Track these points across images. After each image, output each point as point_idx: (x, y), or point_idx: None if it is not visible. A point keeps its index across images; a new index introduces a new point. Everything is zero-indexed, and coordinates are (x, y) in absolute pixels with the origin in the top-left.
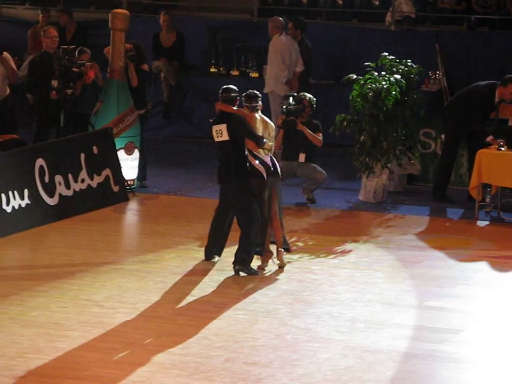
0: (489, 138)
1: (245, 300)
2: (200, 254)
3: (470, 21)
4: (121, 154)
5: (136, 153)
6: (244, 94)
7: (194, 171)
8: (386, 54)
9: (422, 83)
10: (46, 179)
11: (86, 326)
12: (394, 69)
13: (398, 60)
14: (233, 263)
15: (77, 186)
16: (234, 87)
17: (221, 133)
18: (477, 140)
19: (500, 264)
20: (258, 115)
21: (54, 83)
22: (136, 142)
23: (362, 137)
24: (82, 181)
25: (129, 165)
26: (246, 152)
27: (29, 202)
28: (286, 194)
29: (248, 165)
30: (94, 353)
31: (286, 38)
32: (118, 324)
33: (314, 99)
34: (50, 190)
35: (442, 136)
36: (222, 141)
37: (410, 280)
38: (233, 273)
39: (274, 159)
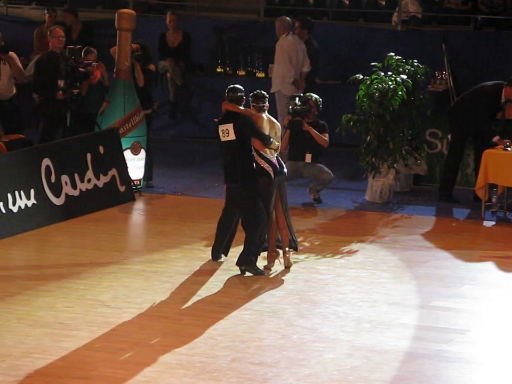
0: (496, 139)
1: (251, 300)
2: (206, 254)
3: (477, 21)
4: (127, 154)
5: (143, 153)
6: (250, 94)
7: (200, 171)
8: (393, 54)
9: (428, 83)
10: (52, 179)
11: (92, 326)
12: (401, 69)
13: (404, 60)
14: (236, 263)
15: (83, 186)
16: (241, 87)
17: (227, 132)
18: (483, 140)
19: (506, 264)
20: (265, 115)
21: (61, 83)
22: (142, 142)
23: (368, 138)
24: (89, 181)
25: (136, 165)
26: (253, 152)
27: (35, 202)
28: (292, 195)
29: (254, 164)
30: (100, 353)
31: (293, 38)
32: (124, 324)
33: (321, 99)
34: (57, 190)
35: (449, 136)
36: (228, 140)
37: (417, 280)
38: (239, 273)
39: (280, 159)
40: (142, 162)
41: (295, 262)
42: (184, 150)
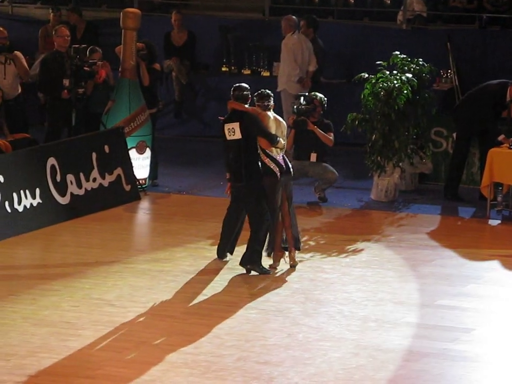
0: (501, 137)
1: (257, 299)
2: (212, 253)
3: (482, 19)
4: (132, 153)
5: (148, 152)
6: (255, 94)
7: (205, 170)
8: (398, 52)
9: (433, 82)
10: (58, 178)
11: (97, 325)
12: (406, 67)
13: (409, 59)
14: (240, 263)
15: (88, 186)
16: (246, 85)
17: (233, 131)
18: (488, 139)
19: None
20: (271, 114)
21: (66, 82)
22: (147, 141)
23: (374, 136)
24: (94, 180)
25: (141, 164)
26: (259, 151)
27: (41, 202)
28: (297, 194)
29: (260, 163)
30: (106, 352)
31: (299, 37)
32: (129, 323)
33: (326, 99)
34: (62, 189)
35: (454, 135)
36: (234, 139)
37: (422, 279)
38: (244, 272)
39: (286, 158)
40: (147, 162)
41: (300, 261)
42: (189, 149)
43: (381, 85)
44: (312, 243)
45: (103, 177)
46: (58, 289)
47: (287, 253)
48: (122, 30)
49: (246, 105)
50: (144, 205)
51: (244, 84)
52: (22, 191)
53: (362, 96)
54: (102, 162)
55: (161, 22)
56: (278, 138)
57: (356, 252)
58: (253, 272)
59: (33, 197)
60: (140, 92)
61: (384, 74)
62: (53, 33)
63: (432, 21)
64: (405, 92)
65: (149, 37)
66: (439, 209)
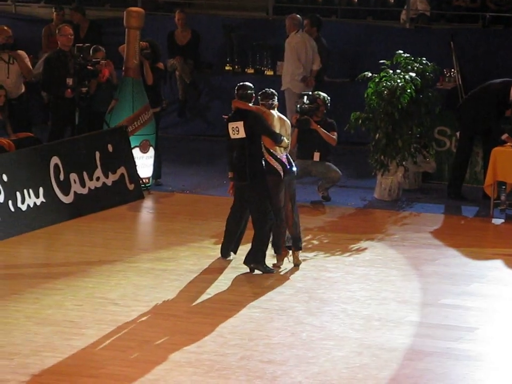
0: (504, 136)
1: (260, 298)
2: (215, 252)
3: (485, 18)
4: (136, 152)
5: (151, 151)
6: (260, 92)
7: (209, 169)
8: (401, 52)
9: (437, 81)
10: (61, 177)
11: (101, 324)
12: (409, 66)
13: (413, 58)
14: (244, 262)
15: (92, 185)
16: (251, 84)
17: (237, 130)
18: (491, 138)
19: None
20: (275, 112)
21: (69, 81)
22: (151, 140)
23: (377, 135)
24: (97, 179)
25: (144, 163)
26: (263, 150)
27: (44, 201)
28: (301, 193)
29: (264, 163)
30: (109, 351)
31: (303, 36)
32: (132, 322)
33: (329, 98)
34: (65, 188)
35: (457, 134)
36: (238, 138)
37: (425, 278)
38: (248, 271)
39: (290, 157)
40: (151, 161)
41: (304, 260)
42: (193, 148)
43: (384, 84)
44: (315, 242)
45: (107, 176)
46: (61, 288)
47: (290, 252)
48: (126, 29)
49: (250, 104)
50: (148, 204)
51: (248, 83)
52: (25, 190)
53: (365, 95)
54: (105, 162)
55: (165, 21)
56: (282, 138)
57: (359, 250)
58: (256, 271)
59: (37, 196)
60: (143, 91)
61: (387, 73)
62: (57, 32)
63: (435, 20)
64: (409, 91)
65: (153, 36)
66: (443, 208)
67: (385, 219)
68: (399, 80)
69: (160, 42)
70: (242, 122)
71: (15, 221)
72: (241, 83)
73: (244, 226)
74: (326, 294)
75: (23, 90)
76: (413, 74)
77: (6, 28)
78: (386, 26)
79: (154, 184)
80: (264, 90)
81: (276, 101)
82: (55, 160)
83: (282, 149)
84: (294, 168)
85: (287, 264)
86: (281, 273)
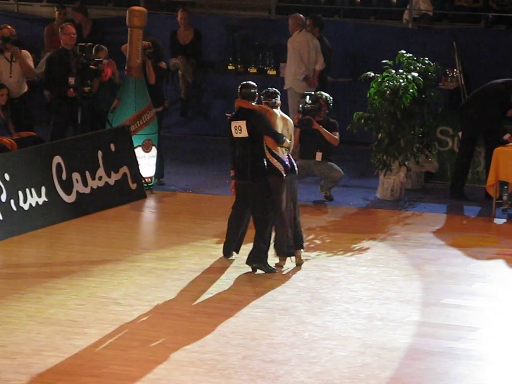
0: (507, 136)
1: (262, 298)
2: (217, 252)
3: (487, 18)
4: (138, 151)
5: (154, 151)
6: (262, 92)
7: (211, 168)
8: (404, 51)
9: (439, 81)
10: (63, 176)
11: (103, 323)
12: (412, 66)
13: (415, 58)
14: (247, 262)
15: (94, 184)
16: (254, 83)
17: (240, 129)
18: (494, 138)
19: None
20: (278, 112)
21: (72, 80)
22: (153, 140)
23: (379, 135)
24: (100, 178)
25: (147, 163)
26: (265, 149)
27: (46, 200)
28: (303, 192)
29: (266, 162)
30: (111, 351)
31: (305, 35)
32: (135, 322)
33: (331, 98)
34: (68, 188)
35: (460, 133)
36: (241, 137)
37: (427, 278)
38: (250, 271)
39: (291, 157)
40: (153, 160)
41: (306, 260)
42: (195, 148)
43: (387, 84)
44: (317, 242)
45: (109, 176)
46: (64, 287)
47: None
48: (129, 28)
49: (253, 103)
50: (150, 204)
51: (251, 82)
52: (27, 190)
53: (368, 95)
54: (107, 161)
55: (168, 20)
56: (284, 138)
57: (361, 250)
58: (258, 271)
59: (39, 195)
60: (145, 90)
61: (390, 73)
62: (59, 31)
63: (438, 20)
64: (411, 90)
65: (155, 35)
66: (445, 208)
67: (388, 219)
68: (401, 80)
69: (163, 42)
70: (245, 121)
71: (17, 220)
72: (244, 82)
73: (245, 226)
74: (328, 294)
75: (25, 89)
76: (416, 74)
77: (9, 27)
78: (389, 26)
79: (157, 184)
80: (267, 89)
81: (279, 100)
82: (57, 159)
83: (284, 149)
84: (296, 168)
85: (289, 263)
86: (284, 272)
